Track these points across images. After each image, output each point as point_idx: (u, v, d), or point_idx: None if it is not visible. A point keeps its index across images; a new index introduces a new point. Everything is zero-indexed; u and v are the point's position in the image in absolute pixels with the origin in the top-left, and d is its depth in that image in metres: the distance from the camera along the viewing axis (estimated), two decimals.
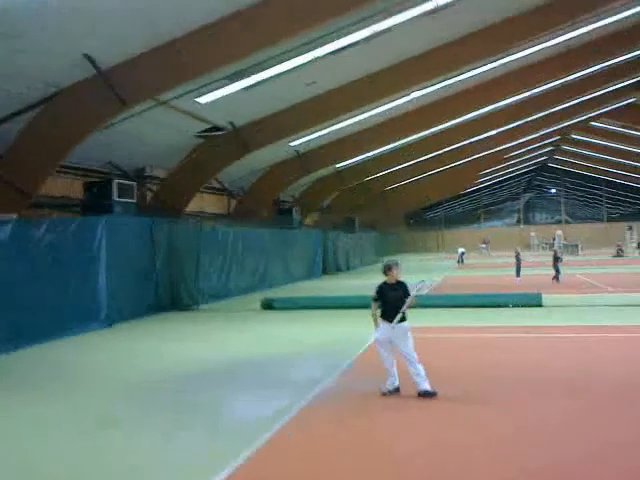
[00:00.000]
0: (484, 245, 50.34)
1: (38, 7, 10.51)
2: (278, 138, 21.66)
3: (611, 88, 32.67)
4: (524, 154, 51.59)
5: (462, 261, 37.40)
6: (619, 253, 41.15)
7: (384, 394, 7.28)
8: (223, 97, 16.77)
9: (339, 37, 15.01)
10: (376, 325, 7.34)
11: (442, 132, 31.30)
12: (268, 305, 16.76)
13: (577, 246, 47.08)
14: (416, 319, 13.06)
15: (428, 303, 16.26)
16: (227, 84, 16.18)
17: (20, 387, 8.67)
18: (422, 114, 26.18)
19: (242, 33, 13.43)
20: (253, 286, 22.02)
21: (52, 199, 17.28)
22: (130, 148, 19.00)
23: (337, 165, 31.23)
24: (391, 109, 23.65)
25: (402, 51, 18.47)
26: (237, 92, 16.72)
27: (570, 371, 8.48)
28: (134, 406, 7.42)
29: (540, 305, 15.24)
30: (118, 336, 12.88)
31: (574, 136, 48.86)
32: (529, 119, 34.44)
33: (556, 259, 22.42)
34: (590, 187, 63.44)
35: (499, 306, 15.31)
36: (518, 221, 64.40)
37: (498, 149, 42.92)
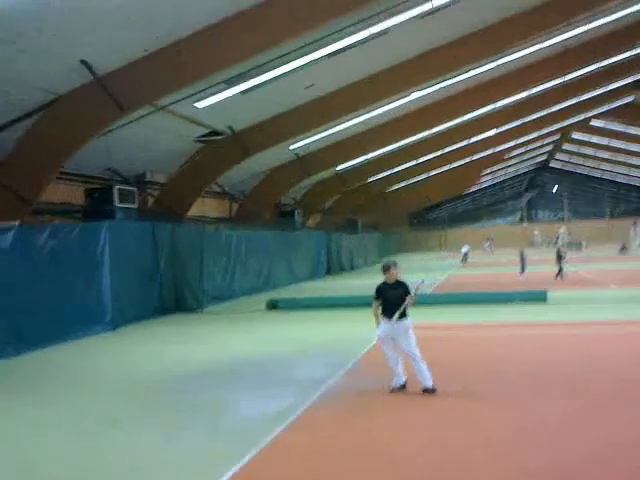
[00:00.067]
0: (488, 243, 50.24)
1: (35, 11, 10.51)
2: (278, 141, 21.66)
3: (610, 87, 32.65)
4: (525, 153, 51.55)
5: (466, 260, 37.18)
6: (623, 249, 41.02)
7: (391, 391, 7.24)
8: (221, 101, 16.77)
9: (338, 39, 15.01)
10: (377, 323, 7.35)
11: (442, 132, 31.28)
12: (273, 306, 16.75)
13: (581, 243, 46.95)
14: (421, 317, 13.07)
15: (433, 301, 16.27)
16: (225, 88, 16.18)
17: (22, 389, 8.68)
18: (422, 115, 26.17)
19: (240, 37, 13.41)
20: (257, 287, 22.00)
21: (53, 205, 17.31)
22: (130, 154, 19.02)
23: (338, 167, 31.21)
24: (391, 110, 23.63)
25: (401, 52, 18.46)
26: (235, 96, 16.72)
27: (572, 366, 8.45)
28: (136, 407, 7.41)
29: (545, 301, 15.18)
30: (122, 339, 12.86)
31: (574, 135, 48.80)
32: (529, 119, 34.43)
33: (559, 257, 22.31)
34: (592, 185, 63.34)
35: (504, 303, 15.25)
36: (521, 219, 64.28)
37: (499, 149, 42.89)
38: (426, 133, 30.35)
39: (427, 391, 7.05)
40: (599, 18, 19.66)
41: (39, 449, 6.00)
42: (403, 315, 7.20)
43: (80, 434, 6.44)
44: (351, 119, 22.80)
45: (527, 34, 18.61)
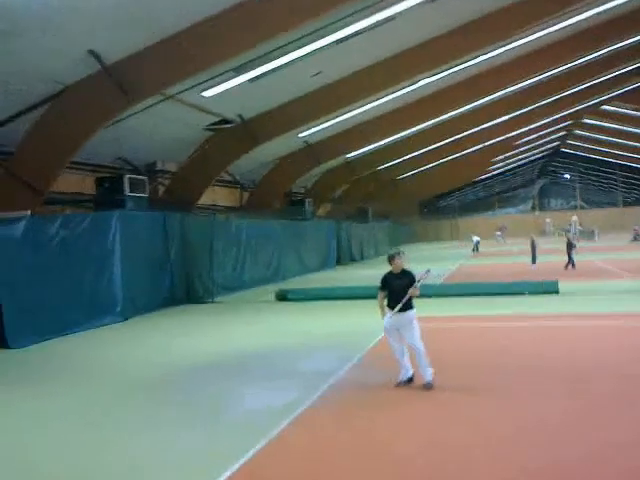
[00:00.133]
0: (499, 232, 49.91)
1: (41, 2, 10.47)
2: (287, 129, 21.58)
3: (622, 71, 32.18)
4: (536, 140, 51.05)
5: (477, 249, 36.97)
6: (636, 238, 40.62)
7: (397, 385, 7.22)
8: (230, 90, 16.69)
9: (344, 26, 14.86)
10: (382, 314, 7.30)
11: (453, 119, 31.02)
12: (282, 297, 16.75)
13: (593, 232, 46.55)
14: (429, 308, 13.08)
15: (443, 292, 16.22)
16: (233, 76, 16.11)
17: (27, 380, 8.76)
18: (432, 101, 25.94)
19: (246, 25, 13.33)
20: (267, 278, 22.01)
21: (65, 195, 17.37)
22: (140, 143, 19.02)
23: (347, 155, 31.07)
24: (401, 97, 23.44)
25: (410, 38, 18.27)
26: (244, 84, 16.63)
27: (574, 361, 8.37)
28: (141, 400, 7.45)
29: (557, 292, 15.07)
30: (132, 330, 12.94)
31: (586, 120, 48.25)
32: (540, 104, 34.05)
33: (570, 246, 22.08)
34: (604, 172, 62.65)
35: (515, 294, 15.16)
36: (533, 207, 63.80)
37: (510, 135, 42.49)
38: (436, 120, 30.08)
39: (427, 386, 7.04)
40: (609, 1, 19.29)
41: (38, 443, 6.05)
42: (409, 306, 7.14)
43: (85, 426, 6.50)
44: (360, 106, 22.64)
45: (539, 17, 18.33)
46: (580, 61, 27.10)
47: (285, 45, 14.87)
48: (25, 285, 11.40)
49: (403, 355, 7.26)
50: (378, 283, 7.45)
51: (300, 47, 15.33)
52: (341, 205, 39.52)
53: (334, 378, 7.83)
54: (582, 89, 33.66)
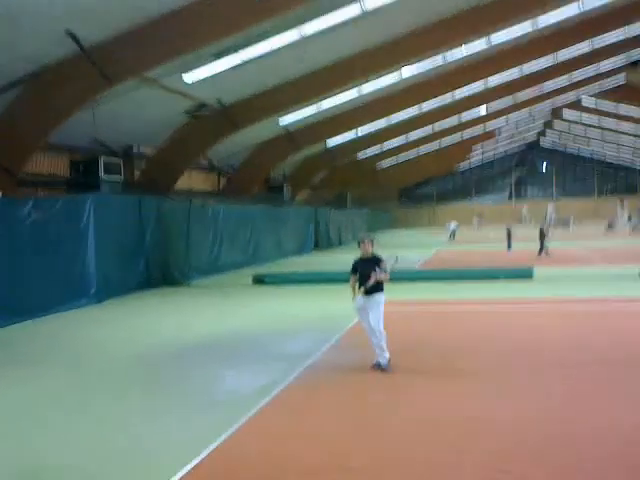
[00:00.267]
0: (476, 219, 50.28)
1: None
2: (267, 115, 21.49)
3: (602, 67, 32.56)
4: (516, 131, 51.49)
5: (454, 237, 36.97)
6: (610, 226, 41.30)
7: (373, 366, 7.27)
8: (210, 74, 16.54)
9: (329, 12, 14.79)
10: (354, 296, 7.39)
11: (434, 109, 31.12)
12: (259, 280, 16.72)
13: (568, 220, 47.19)
14: (405, 293, 13.18)
15: (420, 277, 16.36)
16: (214, 61, 15.95)
17: (11, 364, 8.59)
18: (413, 91, 26.01)
19: (228, 10, 13.19)
20: (244, 262, 21.94)
21: (38, 177, 17.11)
22: (117, 126, 18.77)
23: (328, 143, 31.03)
24: (382, 86, 23.44)
25: (394, 28, 18.27)
26: (224, 69, 16.48)
27: (557, 344, 8.50)
28: (123, 381, 7.40)
29: (531, 277, 15.29)
30: (105, 312, 12.81)
31: (565, 114, 48.74)
32: (521, 97, 34.31)
33: (542, 234, 22.27)
34: (581, 164, 63.45)
35: (490, 278, 15.34)
36: (510, 196, 64.41)
37: (490, 126, 42.80)
38: (417, 110, 30.19)
39: (378, 367, 7.13)
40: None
41: (24, 425, 6.00)
42: (376, 289, 7.22)
43: (74, 410, 6.46)
44: (341, 93, 22.61)
45: (521, 11, 18.47)
46: (562, 56, 27.36)
47: (268, 31, 14.76)
48: None
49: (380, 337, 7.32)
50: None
51: (283, 33, 15.23)
52: (320, 191, 39.53)
53: (311, 360, 7.86)
54: (563, 84, 34.00)
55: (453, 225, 36.98)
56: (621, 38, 26.49)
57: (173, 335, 10.04)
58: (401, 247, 28.90)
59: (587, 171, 63.33)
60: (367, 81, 21.99)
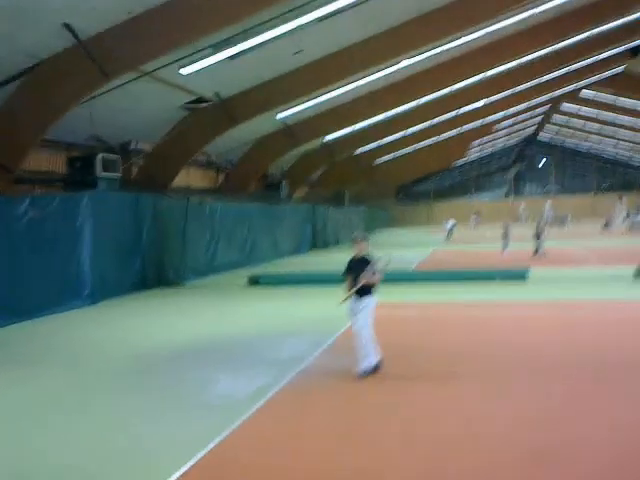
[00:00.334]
0: (474, 217, 50.24)
1: None
2: (265, 109, 21.39)
3: (601, 56, 32.43)
4: (514, 125, 51.42)
5: (451, 235, 36.89)
6: (607, 225, 41.30)
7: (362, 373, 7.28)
8: (208, 67, 16.46)
9: (328, 2, 14.70)
10: (344, 298, 7.28)
11: (431, 103, 31.05)
12: (254, 281, 16.71)
13: (565, 218, 47.20)
14: (400, 295, 13.20)
15: (415, 278, 16.38)
16: (212, 54, 15.88)
17: (9, 363, 8.63)
18: (411, 84, 25.92)
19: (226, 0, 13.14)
20: (241, 261, 21.92)
21: (35, 174, 17.04)
22: (114, 121, 18.70)
23: (326, 138, 30.96)
24: (379, 79, 23.36)
25: (392, 18, 18.18)
26: (222, 62, 16.41)
27: (548, 347, 8.53)
28: (110, 384, 7.43)
29: (527, 279, 15.31)
30: (100, 313, 12.81)
31: (564, 107, 48.66)
32: (518, 89, 34.21)
33: (538, 234, 22.23)
34: (580, 158, 63.46)
35: (486, 280, 15.36)
36: (507, 193, 64.42)
37: (488, 120, 42.70)
38: (414, 104, 30.10)
39: (362, 373, 7.08)
40: None
41: (15, 426, 6.01)
42: (365, 292, 7.13)
43: (45, 413, 6.47)
44: (340, 87, 22.54)
45: (517, 1, 18.37)
46: (561, 45, 27.24)
47: (265, 22, 14.69)
48: None
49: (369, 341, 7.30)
50: None
51: (281, 24, 15.15)
52: (318, 188, 39.46)
53: (304, 364, 7.89)
54: (562, 74, 33.87)
55: (450, 223, 36.95)
56: (620, 24, 26.35)
57: (167, 337, 10.05)
58: (398, 246, 28.93)
59: (585, 167, 63.34)
60: (366, 74, 21.90)
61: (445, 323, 10.69)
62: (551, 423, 5.52)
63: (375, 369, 7.27)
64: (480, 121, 41.72)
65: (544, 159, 64.57)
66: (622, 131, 50.55)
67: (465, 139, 48.64)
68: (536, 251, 21.99)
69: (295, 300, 13.95)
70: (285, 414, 6.13)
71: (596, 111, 46.94)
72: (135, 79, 15.59)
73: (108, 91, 15.30)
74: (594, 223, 44.63)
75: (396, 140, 38.84)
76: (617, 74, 37.96)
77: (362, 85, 23.21)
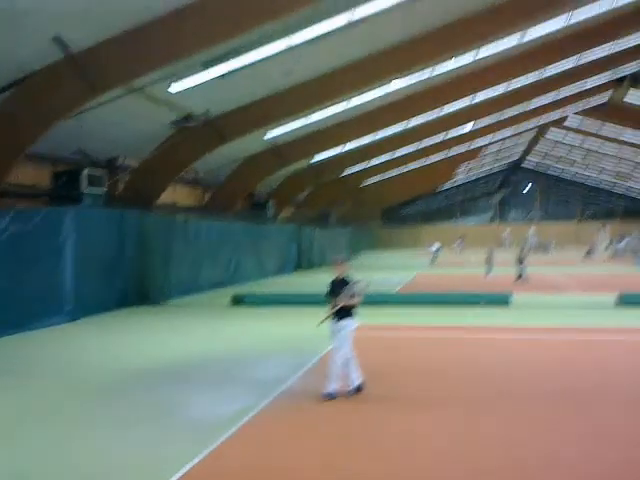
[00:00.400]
0: (458, 242, 50.52)
1: None
2: (254, 128, 21.47)
3: (588, 84, 33.02)
4: (500, 151, 52.07)
5: (436, 258, 37.03)
6: (589, 252, 41.71)
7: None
8: (197, 85, 16.54)
9: (316, 24, 14.88)
10: (322, 319, 7.32)
11: (419, 126, 31.36)
12: (238, 301, 16.61)
13: (548, 245, 47.65)
14: (384, 317, 13.21)
15: (398, 301, 16.40)
16: (201, 71, 15.96)
17: None
18: (399, 108, 26.18)
19: (217, 18, 13.23)
20: (224, 280, 21.81)
21: (20, 188, 16.90)
22: (102, 136, 18.66)
23: (312, 159, 31.11)
24: (368, 102, 23.60)
25: (381, 42, 18.41)
26: (211, 80, 16.49)
27: (531, 374, 8.54)
28: (88, 403, 7.31)
29: (509, 304, 15.39)
30: (79, 331, 12.63)
31: (549, 135, 49.41)
32: (505, 115, 34.70)
33: (520, 260, 22.40)
34: (564, 185, 64.30)
35: (469, 304, 15.41)
36: (492, 218, 65.00)
37: (474, 145, 43.21)
38: (402, 127, 30.41)
39: (324, 396, 7.07)
40: (579, 14, 19.81)
41: None
42: (343, 315, 7.15)
43: (20, 431, 6.35)
44: (328, 108, 22.72)
45: (507, 26, 18.71)
46: (547, 73, 27.72)
47: (255, 42, 14.82)
48: None
49: (347, 364, 7.28)
50: None
51: (272, 44, 15.28)
52: (304, 209, 39.52)
53: (286, 385, 7.84)
54: (547, 101, 34.43)
55: (435, 247, 37.13)
56: (607, 54, 26.92)
57: (145, 357, 9.92)
58: (383, 269, 29.00)
59: (569, 194, 64.17)
60: (354, 97, 22.12)
61: (425, 347, 10.68)
62: (522, 444, 5.52)
63: (358, 390, 7.27)
64: (467, 145, 42.20)
65: (529, 185, 65.34)
66: (606, 159, 51.37)
67: (451, 163, 49.15)
68: (519, 276, 22.12)
69: (278, 320, 13.89)
70: (266, 435, 6.06)
71: (581, 138, 47.68)
72: (125, 95, 15.61)
73: (97, 106, 15.30)
74: (577, 250, 45.07)
75: (383, 163, 39.12)
76: (603, 103, 38.66)
77: (351, 107, 23.43)
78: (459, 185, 64.24)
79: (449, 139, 37.20)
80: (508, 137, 44.90)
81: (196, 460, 5.32)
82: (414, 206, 64.04)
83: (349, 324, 7.20)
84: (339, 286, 7.25)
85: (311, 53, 17.03)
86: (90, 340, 11.71)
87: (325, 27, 15.13)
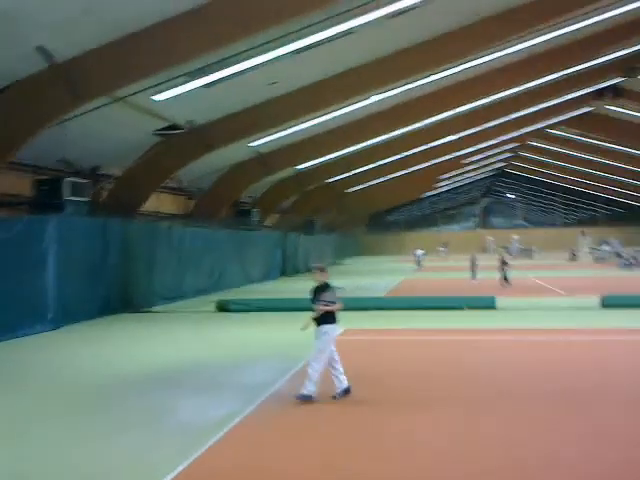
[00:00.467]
0: (443, 248, 50.86)
1: None
2: (239, 138, 21.47)
3: (569, 96, 33.47)
4: (483, 160, 52.51)
5: (419, 264, 37.30)
6: (572, 257, 42.17)
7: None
8: (182, 95, 16.50)
9: (304, 36, 14.95)
10: (305, 325, 7.42)
11: (403, 136, 31.56)
12: (223, 307, 16.55)
13: (531, 250, 48.10)
14: (369, 321, 13.24)
15: (384, 305, 16.43)
16: (187, 81, 15.95)
17: None
18: (384, 118, 26.35)
19: (202, 29, 13.24)
20: (209, 287, 21.72)
21: (1, 196, 16.74)
22: (85, 145, 18.52)
23: (298, 167, 31.16)
24: (353, 111, 23.72)
25: (366, 53, 18.53)
26: (196, 90, 16.46)
27: (517, 375, 8.59)
28: (68, 412, 7.21)
29: (494, 308, 15.49)
30: (62, 339, 12.49)
31: (532, 143, 49.95)
32: (488, 125, 35.05)
33: (503, 263, 22.61)
34: (546, 193, 65.03)
35: (454, 309, 15.49)
36: (476, 225, 65.49)
37: (458, 154, 43.53)
38: (387, 136, 30.57)
39: (298, 397, 7.10)
40: (562, 27, 20.07)
41: None
42: (323, 321, 7.23)
43: (10, 435, 6.26)
44: (313, 119, 22.79)
45: (492, 40, 18.91)
46: (529, 85, 28.05)
47: (241, 52, 14.84)
48: None
49: (333, 367, 7.30)
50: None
51: (256, 55, 15.32)
52: (289, 216, 39.51)
53: (273, 389, 7.81)
54: (529, 113, 34.84)
55: (419, 253, 37.43)
56: (588, 67, 27.30)
57: (130, 364, 9.84)
58: (369, 274, 29.03)
59: (552, 201, 64.92)
60: (339, 107, 22.23)
61: (412, 350, 10.71)
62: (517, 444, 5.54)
63: (345, 392, 7.27)
64: (450, 155, 42.51)
65: (512, 193, 65.98)
66: (587, 167, 52.00)
67: (436, 171, 49.43)
68: (505, 279, 22.32)
69: (264, 326, 13.85)
70: (255, 438, 6.02)
71: (563, 148, 48.27)
72: (109, 103, 15.54)
73: (80, 115, 15.21)
74: (560, 255, 45.54)
75: (368, 170, 39.27)
76: (584, 114, 39.21)
77: (335, 117, 23.53)
78: (443, 193, 64.71)
79: (433, 147, 37.47)
80: (491, 147, 45.31)
81: (186, 463, 5.26)
82: (399, 213, 64.38)
83: (330, 329, 7.27)
84: (319, 293, 7.33)
85: (296, 64, 17.09)
86: (73, 348, 11.59)
87: (310, 40, 15.20)
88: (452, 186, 63.73)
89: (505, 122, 35.40)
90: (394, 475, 5.01)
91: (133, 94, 15.43)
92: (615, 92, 32.65)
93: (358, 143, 30.19)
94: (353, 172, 37.99)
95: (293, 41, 15.05)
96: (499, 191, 67.20)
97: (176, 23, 13.00)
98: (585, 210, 63.85)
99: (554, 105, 34.64)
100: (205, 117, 19.94)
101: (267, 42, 14.60)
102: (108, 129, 17.88)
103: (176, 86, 15.97)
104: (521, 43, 20.74)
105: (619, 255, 35.22)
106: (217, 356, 10.33)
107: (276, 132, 23.01)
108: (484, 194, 66.68)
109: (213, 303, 16.91)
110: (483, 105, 29.64)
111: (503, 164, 61.43)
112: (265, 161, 26.51)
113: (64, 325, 13.47)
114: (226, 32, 13.35)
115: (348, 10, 14.12)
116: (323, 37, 15.23)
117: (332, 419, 6.62)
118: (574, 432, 6.00)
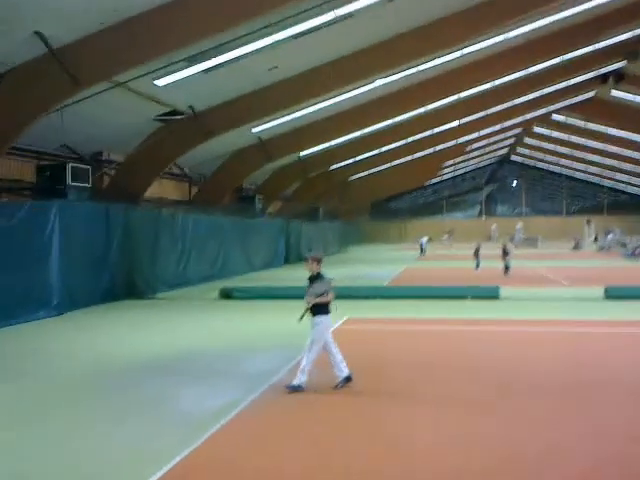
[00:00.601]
0: (446, 236, 50.78)
1: None
2: (240, 124, 21.36)
3: (573, 81, 33.18)
4: (487, 146, 52.24)
5: (423, 251, 37.34)
6: (576, 246, 42.05)
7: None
8: (183, 80, 16.40)
9: (303, 20, 14.80)
10: (301, 315, 7.41)
11: (406, 122, 31.37)
12: (226, 294, 16.53)
13: (536, 239, 47.93)
14: (372, 310, 13.19)
15: (387, 294, 16.38)
16: (186, 66, 15.82)
17: None
18: (387, 103, 26.15)
19: (202, 12, 13.11)
20: (212, 275, 21.70)
21: (3, 182, 16.72)
22: (86, 131, 18.46)
23: (301, 153, 31.02)
24: (356, 97, 23.55)
25: (367, 37, 18.35)
26: (197, 75, 16.37)
27: (520, 367, 8.54)
28: (75, 397, 7.20)
29: (497, 298, 15.42)
30: (66, 324, 12.49)
31: (536, 129, 49.62)
32: (492, 111, 34.80)
33: (505, 253, 22.49)
34: (551, 180, 64.69)
35: (457, 298, 15.43)
36: (480, 213, 65.27)
37: (461, 141, 43.32)
38: (390, 122, 30.39)
39: (288, 387, 7.10)
40: (565, 9, 19.83)
41: None
42: (316, 311, 7.22)
43: (10, 423, 6.26)
44: (315, 104, 22.63)
45: (494, 22, 18.68)
46: (534, 69, 27.79)
47: (241, 37, 14.70)
48: None
49: (333, 355, 7.28)
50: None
51: (256, 40, 15.18)
52: (292, 203, 39.44)
53: (276, 377, 7.78)
54: (533, 98, 34.56)
55: (424, 240, 37.43)
56: (591, 51, 27.03)
57: (133, 351, 9.82)
58: (372, 262, 28.99)
59: (556, 189, 64.60)
60: (342, 92, 22.05)
61: (414, 340, 10.66)
62: (517, 439, 5.51)
63: (347, 380, 7.25)
64: (454, 141, 42.28)
65: (516, 180, 65.67)
66: (592, 154, 51.67)
67: (439, 158, 49.25)
68: (506, 268, 22.23)
69: (266, 314, 13.82)
70: (256, 428, 5.99)
71: (567, 134, 47.94)
72: (109, 89, 15.44)
73: (81, 100, 15.12)
74: (565, 244, 45.38)
75: (371, 157, 39.10)
76: (587, 99, 38.88)
77: (337, 102, 23.36)
78: (446, 180, 64.45)
79: (436, 134, 37.27)
80: (494, 133, 45.06)
81: (186, 452, 5.25)
82: (402, 201, 64.19)
83: (323, 320, 7.25)
84: (311, 283, 7.33)
85: (295, 49, 16.94)
86: (77, 334, 11.58)
87: (309, 24, 15.05)
88: (456, 173, 63.49)
89: (509, 107, 35.16)
90: (393, 468, 4.99)
91: (134, 79, 15.33)
92: (619, 77, 32.36)
93: (360, 129, 30.03)
94: (356, 159, 37.86)
95: (291, 25, 14.91)
96: (503, 178, 66.88)
97: (174, 8, 12.88)
98: (590, 198, 63.54)
99: (558, 90, 34.37)
100: (205, 103, 19.83)
101: (265, 27, 14.48)
102: (109, 115, 17.80)
103: (176, 71, 15.86)
104: (524, 27, 20.52)
105: (623, 244, 35.09)
106: (220, 344, 10.32)
107: (277, 118, 22.89)
108: (488, 181, 66.39)
109: (216, 290, 16.89)
110: (486, 90, 29.41)
111: (507, 150, 61.11)
112: (267, 147, 26.39)
113: (68, 311, 13.48)
114: (226, 16, 13.23)
115: None
116: (321, 21, 15.11)
117: (331, 409, 6.58)
118: (574, 427, 5.97)
